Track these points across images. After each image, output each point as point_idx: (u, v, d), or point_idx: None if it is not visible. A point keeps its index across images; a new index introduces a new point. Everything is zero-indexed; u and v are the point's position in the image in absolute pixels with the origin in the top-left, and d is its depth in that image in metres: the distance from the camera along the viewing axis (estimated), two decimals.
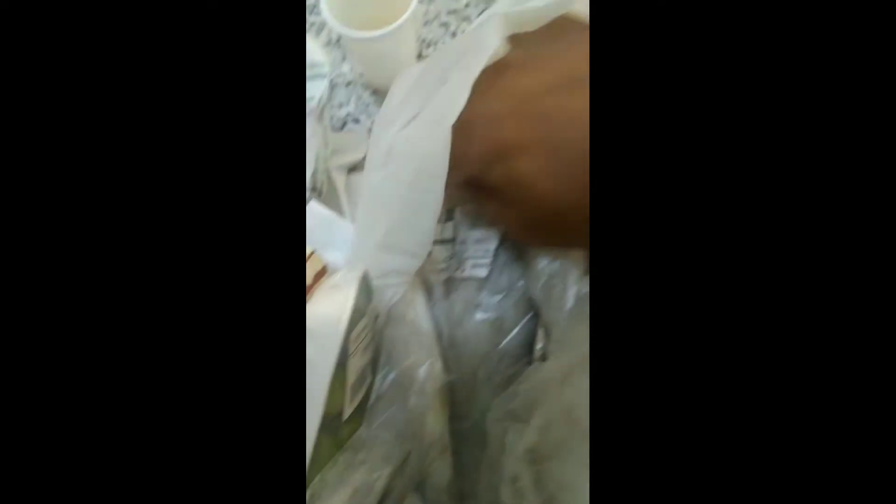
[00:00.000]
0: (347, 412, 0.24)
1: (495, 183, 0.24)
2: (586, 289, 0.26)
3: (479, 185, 0.24)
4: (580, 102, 0.21)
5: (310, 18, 0.48)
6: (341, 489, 0.20)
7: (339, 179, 0.41)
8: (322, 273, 0.30)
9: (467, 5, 0.48)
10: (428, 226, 0.24)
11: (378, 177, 0.25)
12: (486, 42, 0.22)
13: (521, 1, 0.30)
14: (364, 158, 0.43)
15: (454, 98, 0.22)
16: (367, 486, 0.21)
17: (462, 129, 0.23)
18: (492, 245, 0.28)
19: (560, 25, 0.25)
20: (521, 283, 0.28)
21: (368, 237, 0.26)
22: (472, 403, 0.30)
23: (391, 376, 0.25)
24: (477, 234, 0.29)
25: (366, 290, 0.25)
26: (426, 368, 0.25)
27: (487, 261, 0.28)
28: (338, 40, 0.47)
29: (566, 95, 0.22)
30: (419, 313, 0.29)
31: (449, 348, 0.30)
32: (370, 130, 0.45)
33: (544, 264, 0.27)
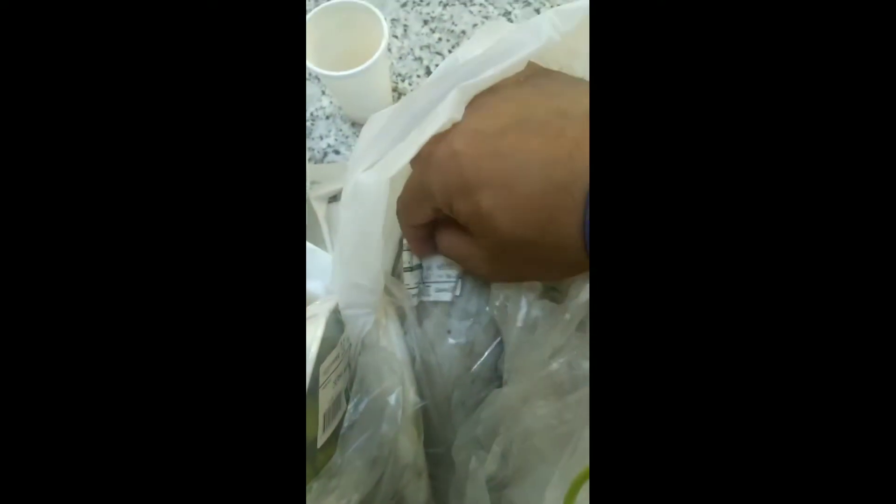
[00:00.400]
0: (322, 440, 0.25)
1: (461, 216, 0.25)
2: (536, 311, 0.27)
3: (447, 217, 0.26)
4: (533, 142, 0.22)
5: None
6: None
7: (320, 209, 0.43)
8: None
9: (439, 40, 0.50)
10: (375, 264, 0.26)
11: (344, 215, 0.27)
12: (445, 113, 0.24)
13: (486, 37, 0.31)
14: (342, 189, 0.45)
15: (402, 156, 0.24)
16: None
17: (429, 163, 0.24)
18: (454, 270, 0.30)
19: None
20: (487, 307, 0.29)
21: (340, 272, 0.28)
22: (446, 427, 0.31)
23: (364, 403, 0.26)
24: (439, 260, 0.30)
25: (336, 321, 0.26)
26: (398, 394, 0.26)
27: (451, 285, 0.30)
28: (316, 75, 0.49)
29: (517, 135, 0.23)
30: (392, 340, 0.30)
31: (422, 373, 0.31)
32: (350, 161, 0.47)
33: (499, 287, 0.28)
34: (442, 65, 0.29)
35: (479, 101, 0.25)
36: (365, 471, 0.24)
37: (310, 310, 0.28)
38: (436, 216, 0.27)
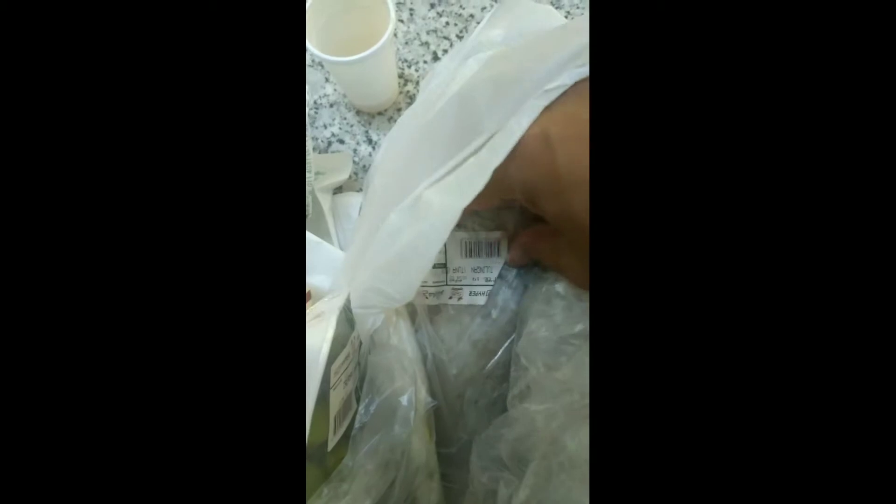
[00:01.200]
0: (332, 442, 0.24)
1: (547, 214, 0.23)
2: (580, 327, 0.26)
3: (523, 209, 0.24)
4: None
5: None
6: None
7: (325, 200, 0.41)
8: (306, 298, 0.30)
9: (447, 24, 0.48)
10: (415, 282, 0.24)
11: (395, 221, 0.25)
12: (520, 127, 0.22)
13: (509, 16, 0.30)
14: (348, 179, 0.44)
15: (476, 179, 0.22)
16: None
17: (514, 151, 0.22)
18: (492, 273, 0.29)
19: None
20: (512, 306, 0.28)
21: (361, 272, 0.27)
22: (458, 427, 0.30)
23: (375, 404, 0.25)
24: (474, 262, 0.29)
25: (346, 319, 0.25)
26: (410, 394, 0.25)
27: (487, 289, 0.29)
28: (320, 62, 0.48)
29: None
30: (403, 338, 0.29)
31: (434, 372, 0.30)
32: (355, 151, 0.45)
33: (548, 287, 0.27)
34: (485, 56, 0.27)
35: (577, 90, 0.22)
36: (377, 474, 0.23)
37: (318, 306, 0.27)
38: (504, 205, 0.25)
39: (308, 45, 0.38)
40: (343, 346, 0.24)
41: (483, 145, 0.23)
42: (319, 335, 0.22)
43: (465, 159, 0.24)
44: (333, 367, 0.22)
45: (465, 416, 0.31)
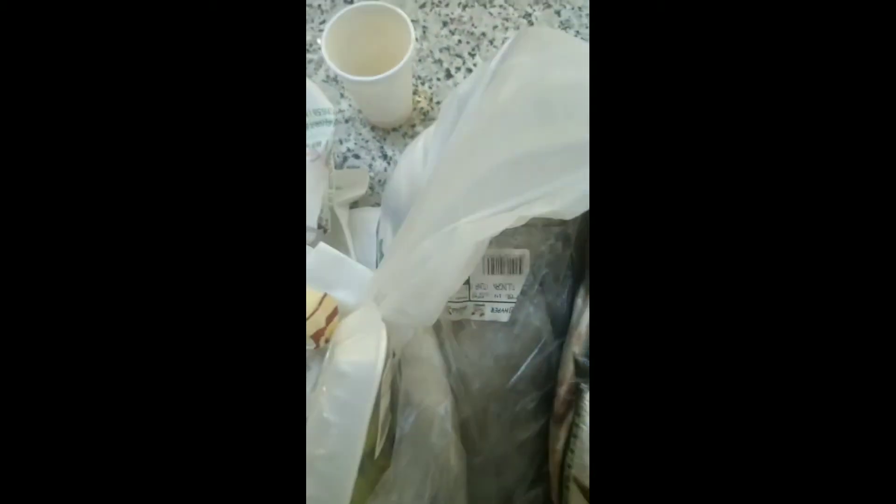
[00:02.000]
0: (377, 451, 0.25)
1: None
2: None
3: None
4: None
5: (308, 55, 0.49)
6: None
7: (343, 215, 0.42)
8: (334, 314, 0.31)
9: (459, 42, 0.49)
10: (438, 307, 0.26)
11: (427, 248, 0.26)
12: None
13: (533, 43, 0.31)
14: (364, 194, 0.45)
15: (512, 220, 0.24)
16: None
17: None
18: (515, 290, 0.30)
19: None
20: (535, 322, 0.30)
21: (382, 290, 0.28)
22: (482, 440, 0.31)
23: (413, 416, 0.26)
24: (496, 279, 0.30)
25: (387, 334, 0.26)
26: (446, 406, 0.26)
27: (511, 306, 0.30)
28: (335, 77, 0.49)
29: None
30: (431, 353, 0.30)
31: (459, 386, 0.31)
32: (370, 166, 0.46)
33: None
34: (531, 93, 0.29)
35: None
36: (422, 484, 0.24)
37: (348, 320, 0.28)
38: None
39: (330, 63, 0.39)
40: (388, 359, 0.25)
41: (538, 199, 0.25)
42: (373, 346, 0.23)
43: (514, 208, 0.26)
44: (383, 377, 0.23)
45: (487, 428, 0.32)
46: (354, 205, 0.45)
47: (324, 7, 0.51)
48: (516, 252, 0.31)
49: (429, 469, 0.25)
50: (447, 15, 0.50)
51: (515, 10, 0.50)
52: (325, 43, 0.39)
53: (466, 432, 0.31)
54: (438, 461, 0.25)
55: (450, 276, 0.25)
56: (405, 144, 0.46)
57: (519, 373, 0.31)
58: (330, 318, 0.29)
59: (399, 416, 0.26)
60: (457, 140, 0.28)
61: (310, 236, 0.36)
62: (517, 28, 0.49)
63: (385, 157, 0.47)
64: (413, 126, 0.47)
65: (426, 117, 0.47)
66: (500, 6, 0.50)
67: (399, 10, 0.40)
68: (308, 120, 0.36)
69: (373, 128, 0.47)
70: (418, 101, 0.48)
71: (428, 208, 0.28)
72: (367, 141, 0.47)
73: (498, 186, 0.26)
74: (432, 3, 0.51)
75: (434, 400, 0.27)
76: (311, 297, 0.28)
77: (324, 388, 0.22)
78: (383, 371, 0.23)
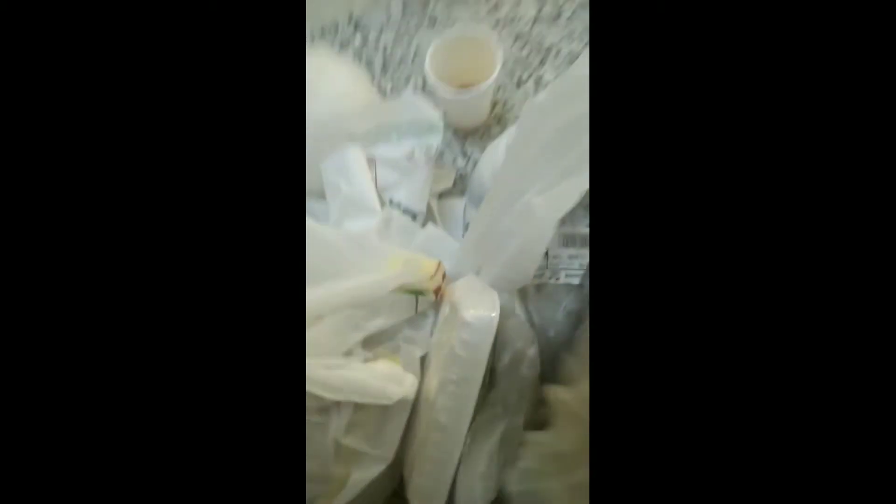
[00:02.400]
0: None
1: None
2: None
3: None
4: None
5: (412, 69, 0.58)
6: (491, 431, 0.30)
7: (434, 204, 0.51)
8: (444, 275, 0.40)
9: (529, 54, 0.57)
10: (530, 271, 0.34)
11: (506, 225, 0.34)
12: None
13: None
14: (450, 187, 0.53)
15: (573, 192, 0.31)
16: (510, 432, 0.30)
17: None
18: (585, 260, 0.37)
19: None
20: None
21: (475, 260, 0.36)
22: (551, 377, 0.39)
23: (509, 354, 0.34)
24: (569, 251, 0.38)
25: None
26: (534, 349, 0.34)
27: (581, 273, 0.37)
28: (423, 85, 0.57)
29: None
30: (518, 308, 0.38)
31: (539, 334, 0.39)
32: (454, 162, 0.55)
33: None
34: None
35: None
36: (518, 402, 0.32)
37: (465, 282, 0.37)
38: None
39: (434, 81, 0.47)
40: None
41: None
42: (489, 303, 0.31)
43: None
44: None
45: (559, 365, 0.40)
46: (442, 195, 0.53)
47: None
48: (586, 230, 0.39)
49: (522, 391, 0.33)
50: (518, 31, 0.58)
51: (580, 22, 0.57)
52: (428, 61, 0.48)
53: (543, 368, 0.39)
54: (528, 385, 0.33)
55: (533, 252, 0.33)
56: (483, 145, 0.54)
57: (583, 325, 0.39)
58: (443, 278, 0.38)
59: (499, 354, 0.35)
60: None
61: (419, 220, 0.45)
62: (581, 41, 0.56)
63: (465, 155, 0.55)
64: (489, 128, 0.55)
65: (499, 121, 0.55)
66: (567, 20, 0.58)
67: (492, 35, 0.48)
68: (420, 128, 0.44)
69: (455, 131, 0.56)
70: (493, 108, 0.56)
71: (500, 189, 0.36)
72: (450, 142, 0.55)
73: (563, 165, 0.33)
74: (504, 22, 0.58)
75: (525, 342, 0.35)
76: (430, 264, 0.37)
77: (453, 333, 0.31)
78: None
